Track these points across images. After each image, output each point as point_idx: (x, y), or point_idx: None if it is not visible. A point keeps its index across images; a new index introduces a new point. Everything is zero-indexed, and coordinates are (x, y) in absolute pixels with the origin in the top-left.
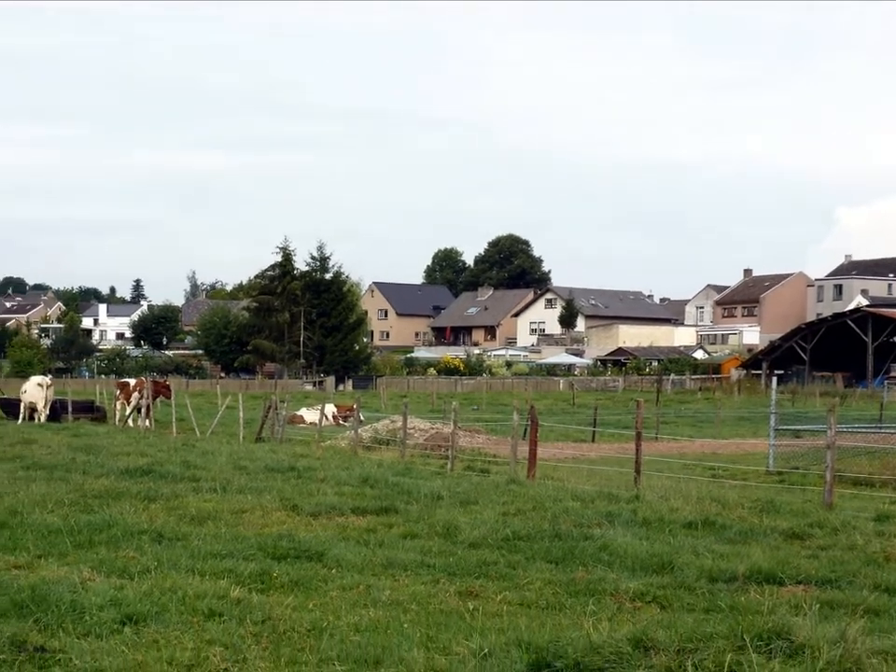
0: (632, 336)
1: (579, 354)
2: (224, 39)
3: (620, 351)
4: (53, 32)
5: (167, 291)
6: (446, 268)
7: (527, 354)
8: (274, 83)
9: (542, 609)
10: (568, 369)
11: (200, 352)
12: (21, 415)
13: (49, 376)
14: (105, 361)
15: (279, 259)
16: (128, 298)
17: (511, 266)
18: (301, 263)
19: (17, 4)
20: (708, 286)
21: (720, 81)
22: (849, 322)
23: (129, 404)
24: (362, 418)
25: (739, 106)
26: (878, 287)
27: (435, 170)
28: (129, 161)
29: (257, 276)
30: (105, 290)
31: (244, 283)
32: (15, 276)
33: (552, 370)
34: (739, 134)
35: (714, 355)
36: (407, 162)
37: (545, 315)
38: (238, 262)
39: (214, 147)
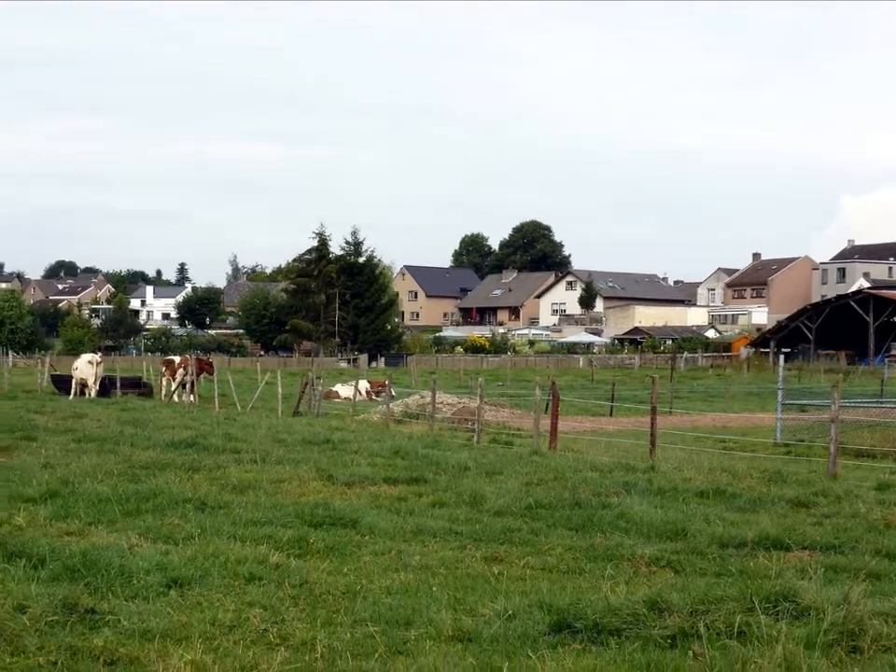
0: (647, 316)
1: (597, 333)
2: (265, 40)
3: (636, 330)
4: (106, 31)
5: (210, 274)
6: (473, 252)
7: (549, 333)
8: (309, 81)
9: (563, 573)
10: (588, 347)
11: (241, 331)
12: (72, 391)
13: (99, 354)
14: (152, 340)
15: (315, 243)
16: (173, 280)
17: (534, 250)
18: (335, 248)
19: (73, 4)
20: (719, 269)
21: (729, 76)
22: (852, 303)
23: (174, 380)
24: (394, 393)
25: (748, 101)
26: (879, 271)
27: (461, 161)
28: (175, 152)
29: (294, 260)
30: (151, 273)
31: (282, 266)
32: (67, 260)
33: (572, 348)
34: (748, 127)
35: (725, 334)
36: (434, 154)
37: (566, 297)
38: (277, 247)
39: (254, 140)
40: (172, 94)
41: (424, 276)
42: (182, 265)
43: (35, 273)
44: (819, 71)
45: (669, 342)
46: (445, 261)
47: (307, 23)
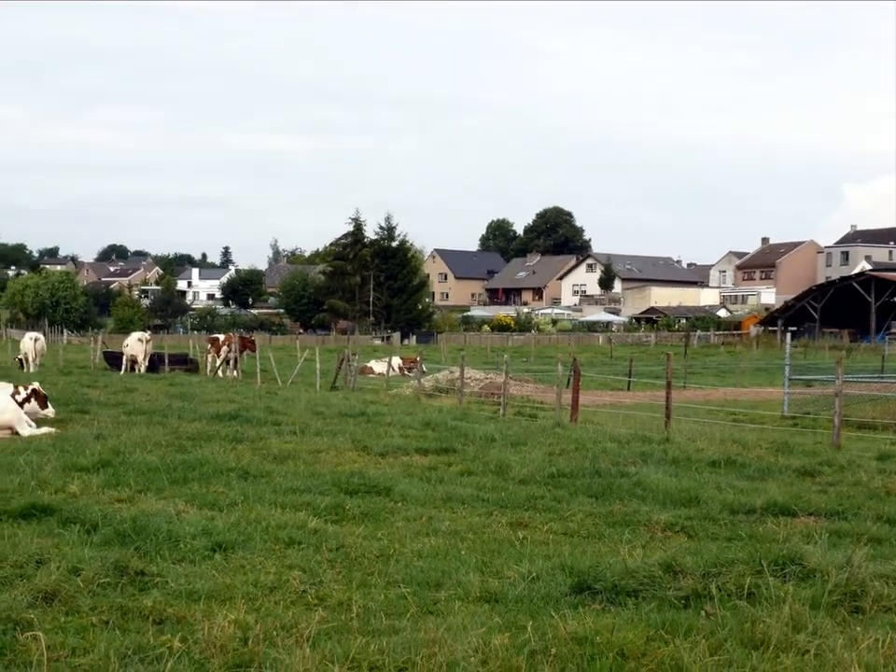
0: (662, 297)
1: (616, 312)
2: (301, 36)
3: (652, 310)
4: (159, 30)
5: (252, 257)
6: (499, 236)
7: (570, 312)
8: (347, 75)
9: (584, 538)
10: (606, 326)
11: (281, 311)
12: (123, 367)
13: (148, 332)
14: (197, 319)
15: (351, 228)
16: (218, 263)
17: (556, 235)
18: (370, 232)
19: (128, 4)
20: (730, 252)
21: (741, 73)
22: (855, 284)
23: (218, 357)
24: (424, 369)
25: (759, 96)
26: (880, 254)
27: (488, 151)
28: (220, 142)
29: (331, 244)
30: (197, 256)
31: (320, 250)
32: (118, 244)
33: (592, 326)
34: (758, 120)
35: (735, 313)
36: (463, 144)
37: (586, 278)
38: (315, 232)
39: (295, 131)
40: (219, 89)
41: (453, 259)
42: (226, 249)
43: (88, 256)
44: (824, 69)
45: (683, 320)
46: (473, 245)
47: (345, 22)
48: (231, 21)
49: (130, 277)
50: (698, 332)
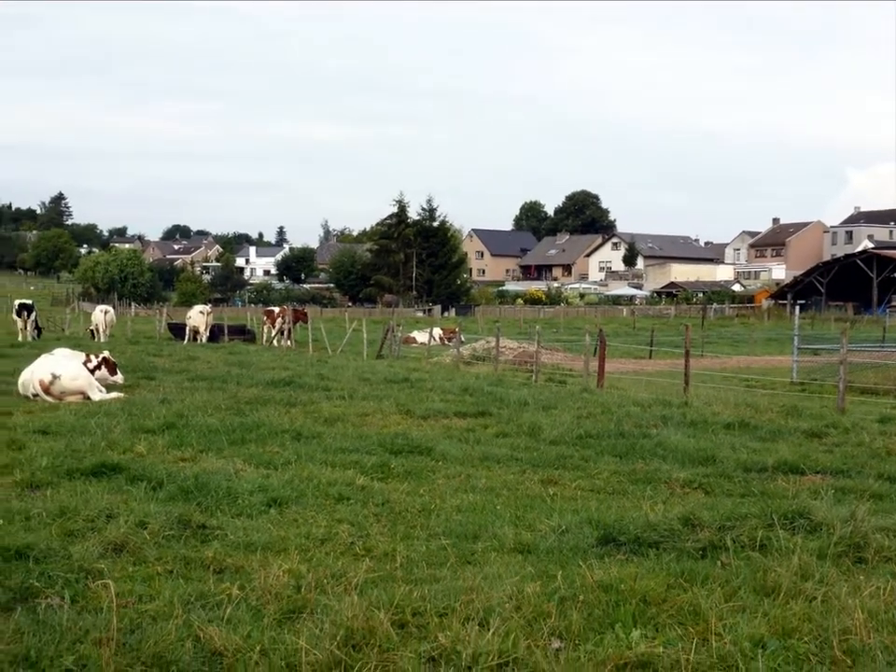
0: (682, 273)
1: (638, 287)
2: (347, 32)
3: (672, 285)
4: (214, 29)
5: (305, 236)
6: (531, 217)
7: (597, 287)
8: (388, 67)
9: (609, 494)
10: (630, 299)
11: (331, 285)
12: (186, 337)
13: (209, 305)
14: (254, 293)
15: (395, 210)
16: (273, 241)
17: (584, 216)
18: (413, 213)
19: (188, 5)
20: (744, 231)
21: (752, 67)
22: (858, 261)
23: (274, 328)
24: (463, 339)
25: (769, 87)
26: (882, 233)
27: (522, 138)
28: (276, 131)
29: (377, 224)
30: (254, 235)
31: (367, 229)
32: (181, 224)
33: (616, 300)
34: (769, 110)
35: (748, 288)
36: (500, 132)
37: (611, 256)
38: (362, 213)
39: (345, 120)
40: (275, 81)
41: (489, 238)
42: (281, 228)
43: (154, 235)
44: (827, 66)
45: (700, 294)
46: (507, 225)
47: (392, 20)
48: (280, 19)
49: (192, 255)
50: (714, 305)
